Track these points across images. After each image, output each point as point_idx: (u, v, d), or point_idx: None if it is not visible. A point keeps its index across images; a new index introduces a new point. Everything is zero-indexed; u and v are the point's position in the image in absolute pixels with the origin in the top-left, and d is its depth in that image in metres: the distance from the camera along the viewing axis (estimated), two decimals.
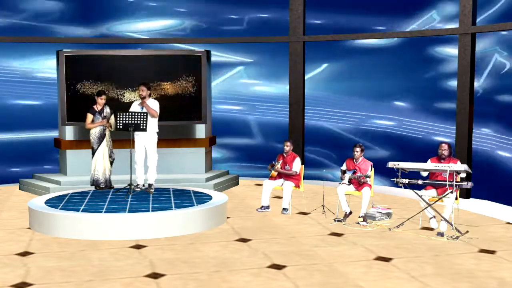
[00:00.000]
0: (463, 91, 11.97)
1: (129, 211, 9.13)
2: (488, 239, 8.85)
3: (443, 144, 9.44)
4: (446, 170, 8.96)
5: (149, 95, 10.84)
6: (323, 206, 10.55)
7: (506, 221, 10.05)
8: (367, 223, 9.74)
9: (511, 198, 11.41)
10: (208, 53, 12.93)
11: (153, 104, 10.70)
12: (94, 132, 10.91)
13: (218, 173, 13.27)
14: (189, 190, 10.85)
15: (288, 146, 10.63)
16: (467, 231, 9.22)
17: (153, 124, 10.62)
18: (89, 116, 10.90)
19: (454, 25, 12.25)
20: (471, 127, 11.97)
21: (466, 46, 11.88)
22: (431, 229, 9.42)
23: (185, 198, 10.16)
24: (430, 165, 9.23)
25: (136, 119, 10.31)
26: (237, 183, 13.54)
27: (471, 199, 11.78)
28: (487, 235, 9.11)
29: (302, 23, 13.81)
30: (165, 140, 11.94)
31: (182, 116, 12.63)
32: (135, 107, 10.70)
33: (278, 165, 10.61)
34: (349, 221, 9.93)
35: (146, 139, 10.68)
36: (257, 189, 12.81)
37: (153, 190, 10.64)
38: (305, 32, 13.89)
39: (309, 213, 10.58)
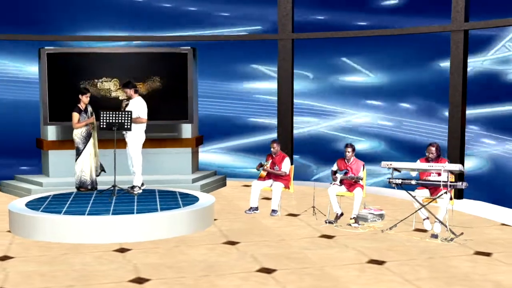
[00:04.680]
0: (455, 89, 11.86)
1: (113, 213, 8.98)
2: (484, 241, 8.76)
3: (431, 147, 9.32)
4: (440, 170, 8.85)
5: (135, 92, 10.63)
6: (313, 207, 10.44)
7: (501, 223, 9.96)
8: (359, 224, 9.63)
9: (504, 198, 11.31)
10: (194, 51, 12.81)
11: (138, 105, 10.51)
12: (81, 132, 10.70)
13: (205, 174, 13.18)
14: (175, 192, 10.73)
15: (275, 147, 10.53)
16: (462, 233, 9.11)
17: (136, 124, 10.49)
18: (76, 115, 10.68)
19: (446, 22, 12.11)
20: (463, 126, 11.87)
21: (458, 44, 11.76)
22: (425, 230, 9.31)
23: (171, 199, 10.03)
24: (424, 164, 9.11)
25: (120, 118, 10.14)
26: (224, 184, 13.47)
27: (464, 200, 11.62)
28: (482, 236, 9.02)
29: (291, 20, 13.67)
30: (150, 140, 11.77)
31: (168, 116, 12.51)
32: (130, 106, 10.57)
33: (267, 165, 10.47)
34: (340, 222, 9.81)
35: (128, 138, 10.54)
36: (245, 190, 12.76)
37: (137, 192, 10.47)
38: (293, 30, 13.75)
39: (298, 214, 10.47)
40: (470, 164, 12.15)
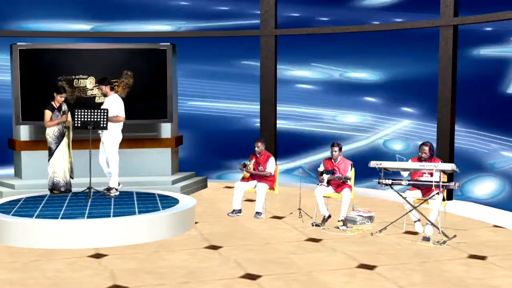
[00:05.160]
0: (444, 86, 11.68)
1: (88, 217, 8.75)
2: (477, 243, 8.61)
3: (424, 147, 9.15)
4: (432, 170, 8.69)
5: (111, 90, 10.40)
6: (299, 209, 10.25)
7: (494, 224, 9.84)
8: (347, 227, 9.44)
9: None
10: (174, 47, 12.63)
11: (115, 102, 10.29)
12: (53, 131, 10.42)
13: (186, 175, 13.00)
14: (154, 194, 10.56)
15: (259, 147, 10.36)
16: (455, 235, 8.94)
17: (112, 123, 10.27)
18: (48, 113, 10.38)
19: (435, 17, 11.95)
20: (453, 124, 11.70)
21: (447, 39, 11.59)
22: (416, 233, 9.14)
23: (149, 202, 9.84)
24: (415, 164, 8.95)
25: (96, 116, 9.91)
26: (205, 186, 13.36)
27: (454, 201, 11.47)
28: (475, 239, 8.88)
29: (274, 15, 13.48)
30: (128, 140, 11.57)
31: (146, 114, 12.34)
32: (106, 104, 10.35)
33: (251, 165, 10.28)
34: (327, 225, 9.62)
35: (104, 138, 10.32)
36: (227, 191, 12.62)
37: (113, 194, 10.25)
38: (277, 26, 13.55)
39: (284, 217, 10.30)
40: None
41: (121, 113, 10.27)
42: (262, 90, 13.70)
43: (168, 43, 12.55)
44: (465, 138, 11.84)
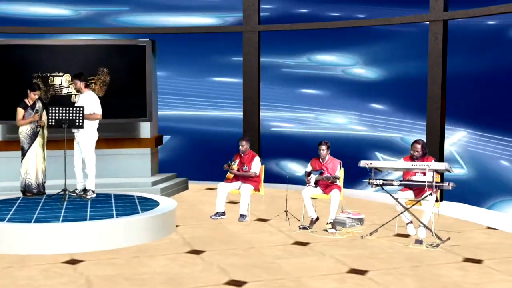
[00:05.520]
0: (434, 83, 11.51)
1: (63, 221, 8.52)
2: (471, 246, 8.45)
3: (416, 145, 9.00)
4: (425, 169, 8.51)
5: (86, 86, 10.17)
6: (286, 211, 10.06)
7: (487, 226, 9.71)
8: (336, 230, 9.24)
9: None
10: (153, 43, 12.48)
11: (90, 99, 10.08)
12: (25, 130, 10.17)
13: (166, 176, 12.87)
14: (133, 196, 10.39)
15: (243, 146, 10.19)
16: (449, 238, 8.76)
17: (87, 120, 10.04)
18: (20, 111, 10.14)
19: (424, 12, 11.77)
20: (443, 122, 11.53)
21: (437, 34, 11.41)
22: (408, 235, 8.96)
23: (128, 204, 9.65)
24: (406, 163, 8.78)
25: (71, 114, 9.68)
26: (186, 187, 13.26)
27: (444, 202, 11.34)
28: (468, 241, 8.73)
29: (257, 11, 13.30)
30: (106, 140, 11.56)
31: (125, 113, 12.19)
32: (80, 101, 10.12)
33: (235, 166, 10.10)
34: (315, 228, 9.44)
35: (80, 137, 10.08)
36: (209, 193, 12.55)
37: (90, 196, 10.02)
38: (260, 21, 13.38)
39: (269, 219, 10.12)
40: None
41: (98, 110, 10.07)
42: (244, 88, 13.53)
43: (147, 39, 12.38)
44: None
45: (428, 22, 11.51)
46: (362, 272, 7.23)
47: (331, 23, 12.89)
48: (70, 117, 9.66)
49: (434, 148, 11.34)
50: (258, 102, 13.49)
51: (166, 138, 13.54)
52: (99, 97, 10.40)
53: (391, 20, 12.22)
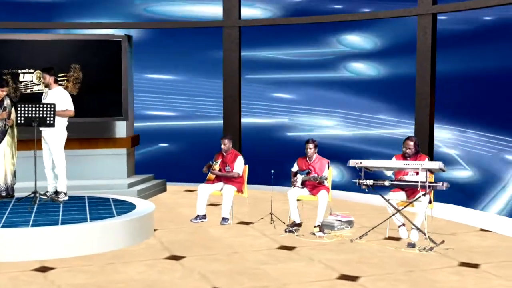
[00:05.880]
0: (422, 79, 11.34)
1: (33, 225, 8.25)
2: (465, 249, 8.30)
3: (408, 142, 8.82)
4: (418, 169, 8.34)
5: (55, 82, 9.90)
6: (271, 214, 9.81)
7: (480, 228, 9.58)
8: (324, 233, 9.03)
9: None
10: (129, 38, 12.22)
11: (61, 95, 9.78)
12: None
13: (143, 178, 12.67)
14: (108, 198, 10.16)
15: (226, 144, 9.95)
16: (443, 241, 8.56)
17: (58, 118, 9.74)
18: None
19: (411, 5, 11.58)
20: (432, 119, 11.36)
21: (426, 29, 11.22)
22: (399, 239, 8.79)
23: (103, 207, 9.43)
24: (398, 162, 8.62)
25: (41, 111, 9.35)
26: (164, 189, 13.07)
27: (434, 203, 11.00)
28: (462, 244, 8.58)
29: (238, 5, 13.10)
30: (80, 140, 11.45)
31: (99, 112, 11.91)
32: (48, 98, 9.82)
33: (217, 166, 9.87)
34: (302, 231, 9.22)
35: (48, 136, 9.75)
36: (188, 195, 12.40)
37: (62, 199, 9.77)
38: (240, 16, 13.18)
39: (252, 222, 9.91)
40: None
41: (71, 107, 9.79)
42: (225, 85, 13.36)
43: (123, 34, 12.16)
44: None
45: (416, 16, 11.32)
46: (353, 278, 7.02)
47: (315, 18, 12.66)
48: (41, 115, 9.36)
49: (423, 147, 11.08)
50: (239, 100, 13.33)
51: (164, 145, 13.55)
52: (73, 95, 10.15)
53: (377, 14, 12.04)
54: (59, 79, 10.24)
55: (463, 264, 7.57)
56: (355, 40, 12.87)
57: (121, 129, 12.30)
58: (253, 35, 13.24)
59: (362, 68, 12.79)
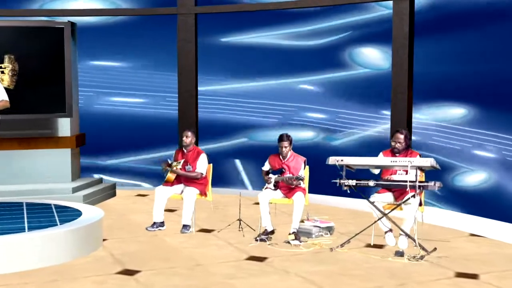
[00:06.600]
0: (399, 69, 10.91)
1: None
2: (459, 257, 7.79)
3: (398, 134, 8.36)
4: (407, 166, 7.82)
5: None
6: (239, 220, 9.28)
7: (470, 233, 9.12)
8: (300, 241, 8.46)
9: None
10: (73, 26, 11.61)
11: None
12: None
13: (89, 181, 12.23)
14: (50, 204, 9.66)
15: (189, 137, 9.37)
16: (435, 249, 8.04)
17: None
18: None
19: None
20: (410, 114, 10.97)
21: (403, 14, 10.77)
22: (381, 246, 8.29)
23: (44, 215, 8.92)
24: (384, 159, 8.09)
25: None
26: (114, 194, 12.60)
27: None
28: (454, 252, 8.07)
29: None
30: (18, 139, 11.10)
31: (39, 108, 11.39)
32: None
33: (179, 166, 9.24)
34: (275, 239, 8.67)
35: None
36: (141, 200, 11.98)
37: None
38: (197, 2, 12.66)
39: (217, 230, 9.34)
40: None
41: (6, 97, 9.22)
42: (180, 79, 12.84)
43: (66, 20, 11.57)
44: None
45: (391, 1, 10.90)
46: None
47: (278, 4, 12.26)
48: None
49: None
50: (195, 94, 12.85)
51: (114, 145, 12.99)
52: (9, 89, 9.78)
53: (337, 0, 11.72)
54: None
55: (460, 275, 7.05)
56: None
57: (64, 126, 11.80)
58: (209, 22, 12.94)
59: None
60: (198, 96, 12.90)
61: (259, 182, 10.00)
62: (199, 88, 12.82)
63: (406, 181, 7.83)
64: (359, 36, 11.89)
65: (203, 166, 9.26)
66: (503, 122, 10.00)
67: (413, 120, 10.99)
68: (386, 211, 8.18)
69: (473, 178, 10.64)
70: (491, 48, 10.27)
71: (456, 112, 10.70)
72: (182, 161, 9.25)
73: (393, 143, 8.32)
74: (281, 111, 12.77)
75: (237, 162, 12.91)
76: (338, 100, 12.13)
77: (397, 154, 8.27)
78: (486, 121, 10.28)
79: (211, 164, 9.58)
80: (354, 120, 12.08)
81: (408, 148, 8.34)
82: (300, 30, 12.55)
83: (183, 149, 9.38)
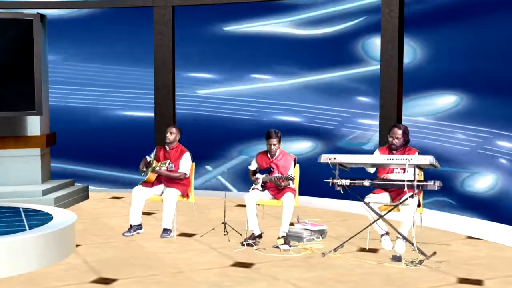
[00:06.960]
0: (388, 65, 10.71)
1: None
2: (460, 262, 7.53)
3: (396, 130, 8.06)
4: (404, 165, 7.51)
5: None
6: (224, 223, 8.96)
7: (466, 235, 8.86)
8: (290, 246, 8.16)
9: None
10: (42, 18, 11.31)
11: None
12: None
13: (60, 183, 11.92)
14: (18, 208, 9.40)
15: (173, 134, 8.99)
16: (435, 253, 7.76)
17: None
18: None
19: None
20: (400, 111, 10.78)
21: (392, 6, 10.58)
22: (377, 250, 8.00)
23: (11, 219, 8.68)
24: (380, 157, 7.78)
25: None
26: (86, 196, 12.30)
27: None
28: (455, 256, 7.79)
29: None
30: None
31: (6, 105, 11.10)
32: None
33: (164, 167, 8.84)
34: (263, 244, 8.36)
35: None
36: (116, 203, 11.71)
37: None
38: None
39: (199, 234, 9.03)
40: None
41: None
42: (156, 74, 12.57)
43: (35, 12, 11.23)
44: None
45: None
46: None
47: None
48: None
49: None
50: (172, 91, 12.60)
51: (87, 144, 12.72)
52: None
53: None
54: None
55: (463, 281, 6.78)
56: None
57: (33, 125, 11.57)
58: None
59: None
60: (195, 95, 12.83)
61: (246, 183, 9.79)
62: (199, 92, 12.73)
63: (403, 181, 7.57)
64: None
65: (186, 165, 8.92)
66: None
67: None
68: (382, 213, 7.95)
69: (472, 180, 10.56)
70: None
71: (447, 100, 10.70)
72: (167, 161, 8.88)
73: (390, 139, 8.04)
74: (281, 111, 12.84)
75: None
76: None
77: (394, 152, 8.02)
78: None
79: (194, 163, 9.27)
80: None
81: (407, 145, 8.06)
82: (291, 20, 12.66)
83: (166, 146, 9.03)
